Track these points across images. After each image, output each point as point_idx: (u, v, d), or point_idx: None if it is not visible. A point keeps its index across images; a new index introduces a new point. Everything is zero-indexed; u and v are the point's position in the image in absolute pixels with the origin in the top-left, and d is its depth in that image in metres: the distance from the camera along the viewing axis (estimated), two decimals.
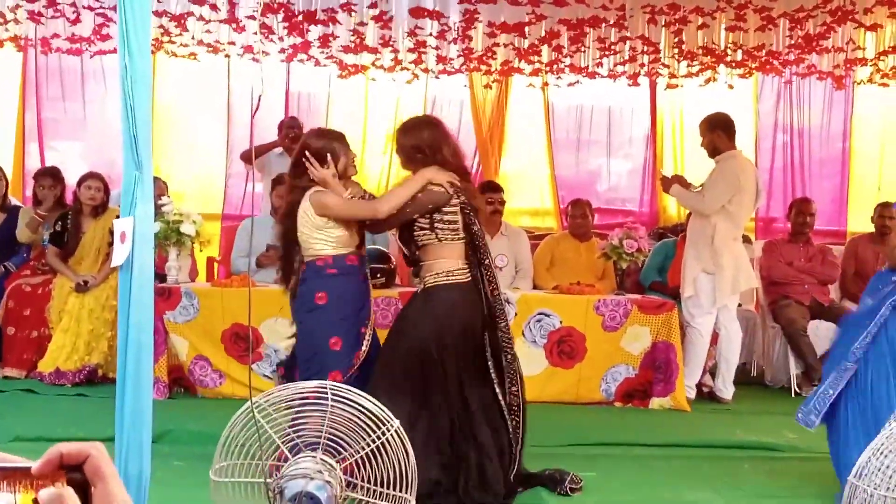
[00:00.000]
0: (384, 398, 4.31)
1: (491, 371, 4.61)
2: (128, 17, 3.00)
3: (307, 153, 4.60)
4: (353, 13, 7.78)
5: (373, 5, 7.64)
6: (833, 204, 10.16)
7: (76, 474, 0.97)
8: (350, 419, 3.03)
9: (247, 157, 8.46)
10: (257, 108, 3.39)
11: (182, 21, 8.15)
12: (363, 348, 4.55)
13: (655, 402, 6.81)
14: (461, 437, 4.48)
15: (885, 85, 9.37)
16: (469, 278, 4.58)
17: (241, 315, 6.63)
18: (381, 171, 9.85)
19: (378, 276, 6.74)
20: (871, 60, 8.70)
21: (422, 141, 4.62)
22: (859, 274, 8.18)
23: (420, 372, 4.46)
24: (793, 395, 7.29)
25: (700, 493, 4.83)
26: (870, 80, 9.32)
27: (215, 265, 8.44)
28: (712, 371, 7.27)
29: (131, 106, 3.00)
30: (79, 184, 7.47)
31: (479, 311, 4.60)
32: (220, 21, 8.02)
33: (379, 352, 4.65)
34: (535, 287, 7.66)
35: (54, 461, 0.96)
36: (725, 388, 7.12)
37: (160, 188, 7.50)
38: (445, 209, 4.52)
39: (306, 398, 3.02)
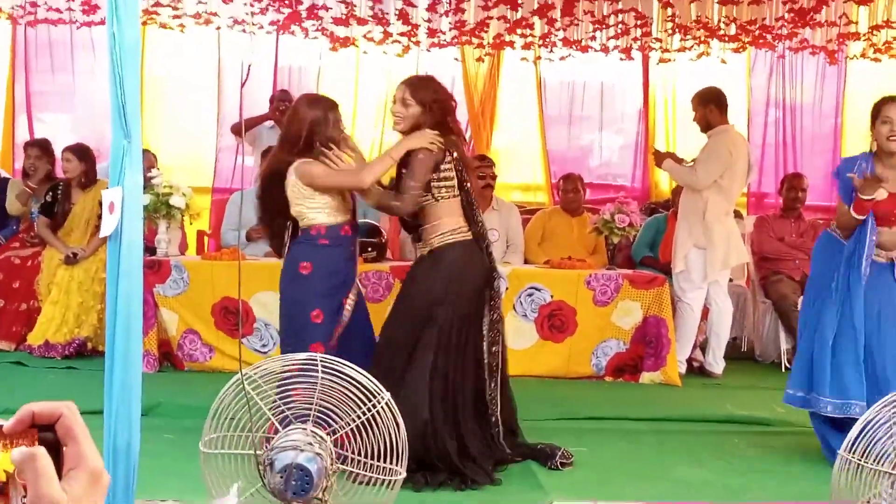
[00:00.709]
0: (386, 362, 4.36)
1: (484, 329, 4.62)
2: None
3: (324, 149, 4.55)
4: None
5: None
6: (825, 179, 10.11)
7: (48, 434, 0.96)
8: (340, 391, 3.02)
9: (237, 130, 8.42)
10: (246, 79, 3.36)
11: None
12: (344, 320, 4.54)
13: (646, 377, 6.82)
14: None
15: (877, 60, 9.33)
16: (471, 235, 4.59)
17: (231, 289, 6.60)
18: (371, 145, 9.79)
19: (369, 249, 6.73)
20: (864, 35, 8.67)
21: (437, 97, 4.59)
22: None
23: (424, 334, 4.46)
24: (783, 370, 7.30)
25: (689, 468, 4.84)
26: (862, 55, 9.29)
27: (205, 238, 8.42)
28: (703, 346, 7.28)
29: (119, 75, 2.96)
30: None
31: (484, 267, 4.62)
32: None
33: (388, 318, 4.64)
34: (526, 262, 7.65)
35: (26, 420, 0.95)
36: (716, 362, 7.14)
37: (150, 161, 7.47)
38: (442, 167, 4.49)
39: (296, 370, 3.01)
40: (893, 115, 4.80)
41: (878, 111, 4.90)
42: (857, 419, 4.30)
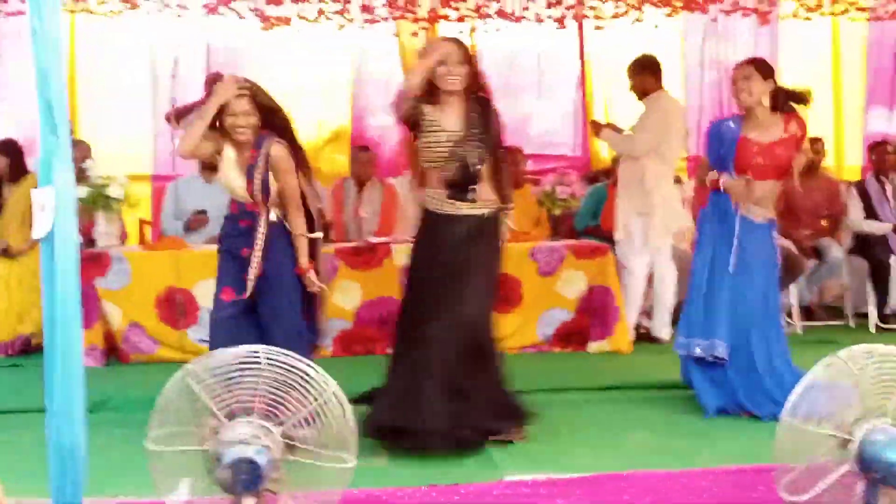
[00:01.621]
0: None
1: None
2: None
3: None
4: None
5: None
6: None
7: None
8: (286, 382, 3.00)
9: (170, 119, 8.29)
10: (175, 74, 3.31)
11: None
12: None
13: (593, 346, 6.88)
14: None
15: (808, 19, 9.44)
16: None
17: (174, 278, 6.54)
18: (312, 126, 9.72)
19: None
20: None
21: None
22: (789, 208, 8.28)
23: None
24: None
25: (638, 433, 4.89)
26: (794, 15, 9.38)
27: (146, 227, 8.31)
28: (649, 312, 7.34)
29: (44, 69, 2.91)
30: None
31: None
32: None
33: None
34: None
35: None
36: (662, 328, 7.20)
37: (84, 151, 7.34)
38: None
39: (241, 363, 2.99)
40: (739, 75, 5.21)
41: (733, 78, 5.28)
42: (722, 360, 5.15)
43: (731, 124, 5.28)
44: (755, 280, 5.27)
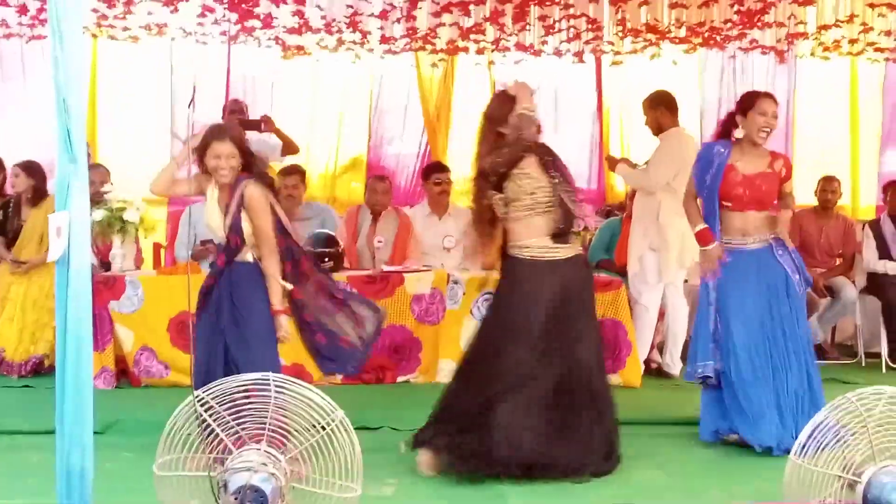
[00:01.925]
0: None
1: None
2: (59, 9, 2.95)
3: None
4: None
5: None
6: None
7: None
8: (294, 410, 3.02)
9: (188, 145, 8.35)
10: (193, 100, 3.36)
11: (123, 3, 8.01)
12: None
13: None
14: None
15: (825, 58, 9.48)
16: None
17: (187, 303, 6.57)
18: (328, 154, 9.80)
19: (326, 259, 6.71)
20: (812, 34, 8.78)
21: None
22: (804, 247, 8.27)
23: None
24: None
25: (647, 472, 4.86)
26: (811, 54, 9.42)
27: (162, 251, 8.36)
28: (660, 347, 7.33)
29: (65, 99, 2.95)
30: None
31: None
32: (162, 3, 7.87)
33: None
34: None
35: None
36: (673, 363, 7.18)
37: (102, 175, 7.40)
38: None
39: (249, 390, 3.01)
40: (769, 109, 5.25)
41: (752, 103, 5.29)
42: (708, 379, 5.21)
43: (722, 149, 5.32)
44: (754, 303, 5.24)
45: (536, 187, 4.79)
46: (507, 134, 4.86)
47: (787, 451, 3.33)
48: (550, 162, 4.85)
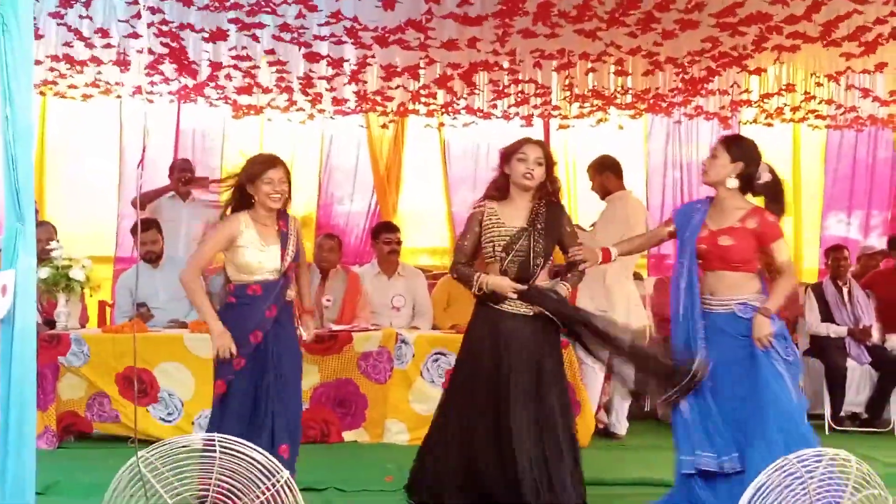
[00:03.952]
0: None
1: None
2: (9, 68, 2.96)
3: None
4: (248, 59, 7.74)
5: (269, 52, 7.57)
6: None
7: None
8: (240, 471, 3.01)
9: (136, 205, 8.32)
10: (142, 159, 3.37)
11: (74, 63, 8.00)
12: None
13: None
14: None
15: (769, 125, 9.69)
16: None
17: (132, 359, 6.52)
18: None
19: None
20: (756, 102, 8.97)
21: None
22: None
23: None
24: None
25: None
26: (754, 121, 9.63)
27: (107, 309, 8.29)
28: (607, 407, 7.37)
29: (13, 157, 2.95)
30: None
31: None
32: (113, 63, 7.88)
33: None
34: (434, 327, 7.67)
35: None
36: (619, 423, 7.22)
37: (49, 232, 7.33)
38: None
39: (193, 451, 2.99)
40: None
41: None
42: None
43: (699, 205, 5.00)
44: (723, 376, 4.76)
45: (495, 235, 4.86)
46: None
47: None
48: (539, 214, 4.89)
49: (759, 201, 4.90)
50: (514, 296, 4.81)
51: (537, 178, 4.86)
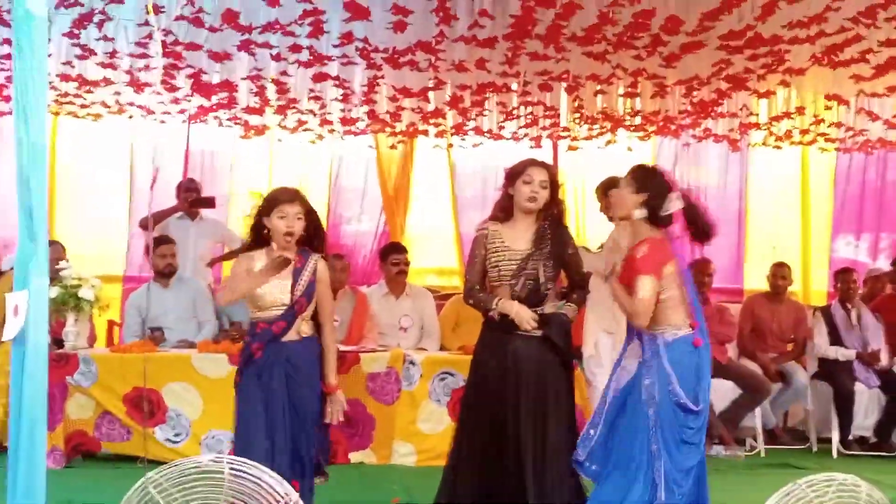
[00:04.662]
0: None
1: None
2: (23, 90, 2.98)
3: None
4: (259, 79, 7.77)
5: (282, 73, 7.61)
6: (730, 262, 10.41)
7: None
8: (249, 493, 3.00)
9: (146, 225, 8.33)
10: (154, 182, 3.39)
11: (85, 84, 8.03)
12: None
13: None
14: None
15: (778, 147, 9.71)
16: None
17: (141, 379, 6.53)
18: None
19: None
20: (764, 125, 8.99)
21: None
22: (756, 332, 8.39)
23: None
24: None
25: None
26: (763, 144, 9.64)
27: (115, 329, 8.30)
28: None
29: (27, 178, 2.97)
30: None
31: None
32: (126, 83, 7.91)
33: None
34: (442, 348, 7.67)
35: None
36: None
37: (58, 252, 7.36)
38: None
39: (202, 472, 2.99)
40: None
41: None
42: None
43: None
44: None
45: (501, 259, 4.83)
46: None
47: None
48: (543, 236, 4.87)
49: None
50: (531, 327, 4.76)
51: (542, 201, 4.80)
